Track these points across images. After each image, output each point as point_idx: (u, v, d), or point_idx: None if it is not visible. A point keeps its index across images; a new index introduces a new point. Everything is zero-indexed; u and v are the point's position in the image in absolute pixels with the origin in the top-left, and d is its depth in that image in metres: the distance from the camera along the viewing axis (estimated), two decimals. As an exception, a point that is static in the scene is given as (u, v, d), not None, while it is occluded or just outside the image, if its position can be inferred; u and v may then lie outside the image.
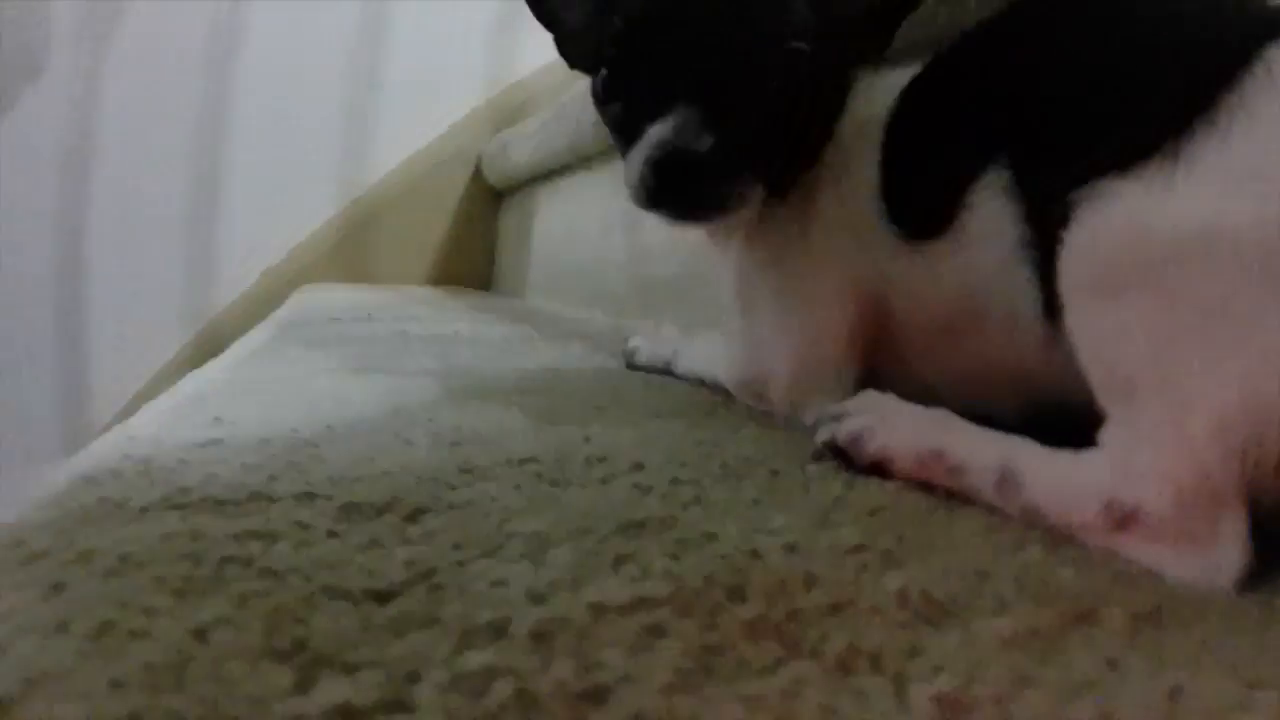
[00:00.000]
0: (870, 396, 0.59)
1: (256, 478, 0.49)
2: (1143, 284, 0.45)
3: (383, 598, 0.35)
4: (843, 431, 0.56)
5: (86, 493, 0.46)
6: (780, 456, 0.59)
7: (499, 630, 0.32)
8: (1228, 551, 0.43)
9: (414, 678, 0.28)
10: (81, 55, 2.02)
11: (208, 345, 2.17)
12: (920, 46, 0.66)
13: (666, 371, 0.93)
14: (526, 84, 2.45)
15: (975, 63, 0.61)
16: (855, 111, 0.67)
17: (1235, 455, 0.43)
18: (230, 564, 0.37)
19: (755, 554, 0.41)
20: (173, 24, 2.16)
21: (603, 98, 0.67)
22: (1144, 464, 0.45)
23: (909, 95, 0.65)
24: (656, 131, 0.59)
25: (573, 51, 0.74)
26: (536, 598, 0.35)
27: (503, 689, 0.28)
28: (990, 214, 0.56)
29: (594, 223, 1.73)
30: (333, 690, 0.28)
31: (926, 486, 0.52)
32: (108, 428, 1.56)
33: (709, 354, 0.85)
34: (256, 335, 1.32)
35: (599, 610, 0.34)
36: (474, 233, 2.48)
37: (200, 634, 0.31)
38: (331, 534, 0.41)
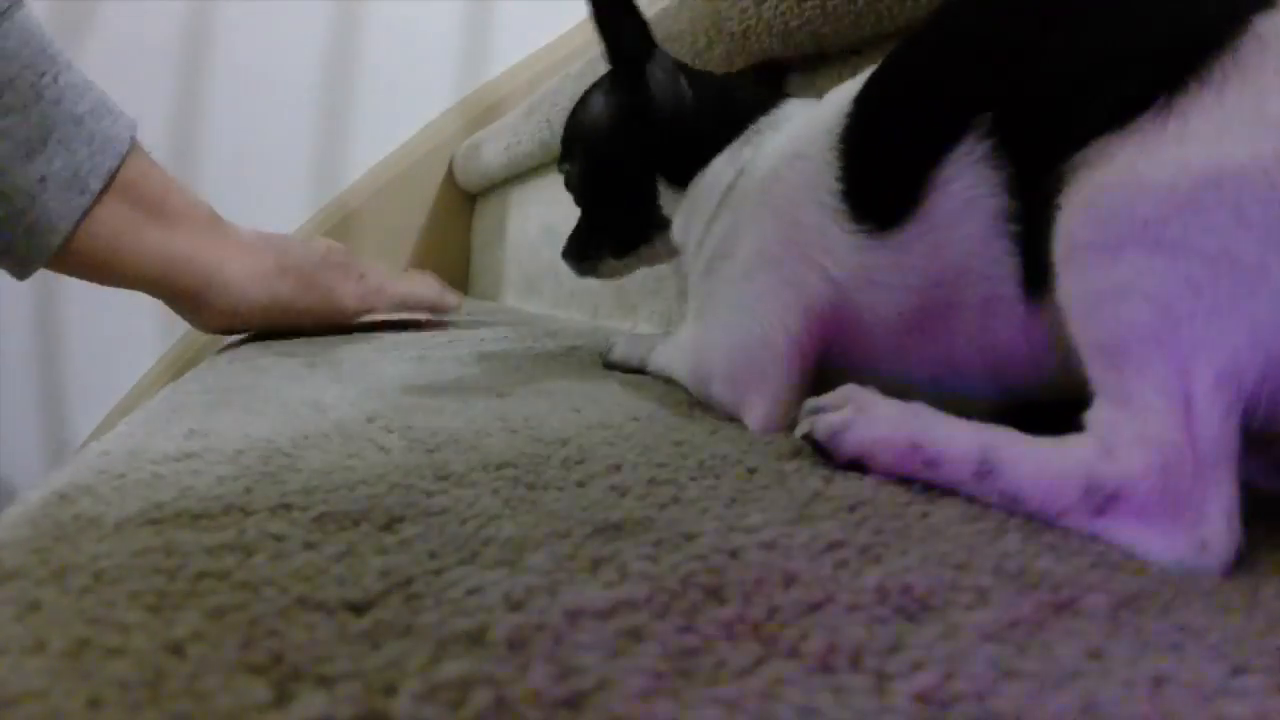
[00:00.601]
0: (850, 390, 0.59)
1: (232, 490, 0.49)
2: (1141, 240, 0.44)
3: (359, 609, 0.34)
4: (821, 426, 0.56)
5: (61, 509, 0.45)
6: (757, 454, 0.59)
7: (475, 638, 0.32)
8: (1216, 529, 0.41)
9: (391, 689, 0.28)
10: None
11: (188, 354, 2.16)
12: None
13: (641, 370, 0.93)
14: (498, 84, 2.45)
15: (954, 37, 0.60)
16: (779, 142, 0.74)
17: (1236, 410, 0.42)
18: (206, 578, 0.37)
19: (733, 553, 0.41)
20: (145, 24, 2.15)
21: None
22: (1129, 434, 0.44)
23: (872, 85, 0.65)
24: None
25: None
26: (513, 604, 0.35)
27: (480, 698, 0.28)
28: (965, 187, 0.55)
29: (568, 222, 1.73)
30: (311, 703, 0.27)
31: (906, 480, 0.52)
32: (88, 441, 1.55)
33: (676, 352, 0.86)
34: (232, 344, 1.31)
35: (576, 615, 0.34)
36: (449, 234, 2.48)
37: (176, 649, 0.31)
38: (308, 545, 0.41)
